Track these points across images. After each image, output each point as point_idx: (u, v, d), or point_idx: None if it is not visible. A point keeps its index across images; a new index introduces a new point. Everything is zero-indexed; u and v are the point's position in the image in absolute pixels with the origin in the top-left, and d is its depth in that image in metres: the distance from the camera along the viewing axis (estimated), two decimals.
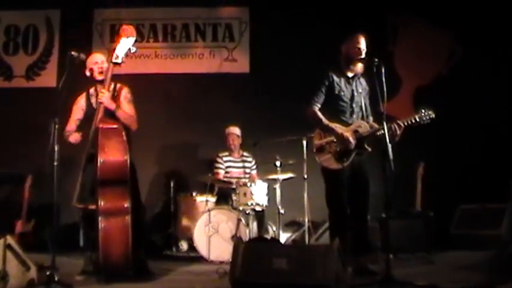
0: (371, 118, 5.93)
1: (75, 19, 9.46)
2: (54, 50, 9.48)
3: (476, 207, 7.79)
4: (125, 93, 5.88)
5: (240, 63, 9.46)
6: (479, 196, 7.71)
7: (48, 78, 9.34)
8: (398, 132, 5.45)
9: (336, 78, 5.79)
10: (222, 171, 8.27)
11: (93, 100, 5.83)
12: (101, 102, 5.57)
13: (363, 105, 5.89)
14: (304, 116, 5.82)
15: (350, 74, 5.89)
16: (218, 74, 9.38)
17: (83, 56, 5.38)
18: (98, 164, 5.18)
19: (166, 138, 8.86)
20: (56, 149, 4.92)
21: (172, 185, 8.38)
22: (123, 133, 5.44)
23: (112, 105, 5.62)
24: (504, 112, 8.42)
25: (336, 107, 5.80)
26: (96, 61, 5.82)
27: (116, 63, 5.58)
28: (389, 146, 4.94)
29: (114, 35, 9.42)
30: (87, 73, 5.84)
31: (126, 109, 5.78)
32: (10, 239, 4.82)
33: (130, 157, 5.45)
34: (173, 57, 9.29)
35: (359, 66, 5.83)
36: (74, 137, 5.79)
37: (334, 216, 5.81)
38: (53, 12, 9.55)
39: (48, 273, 4.69)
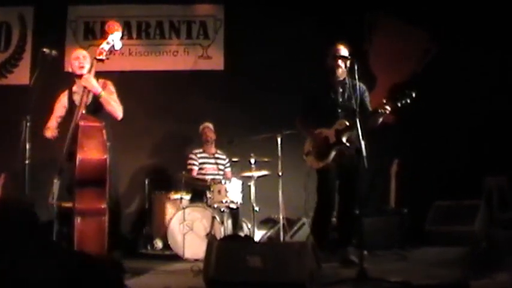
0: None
1: (48, 16, 9.32)
2: (27, 47, 9.37)
3: (451, 203, 7.82)
4: (109, 85, 5.96)
5: (214, 60, 9.42)
6: (453, 192, 7.75)
7: (21, 75, 9.22)
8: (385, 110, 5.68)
9: (318, 90, 6.28)
10: (196, 168, 8.25)
11: (75, 97, 5.82)
12: (85, 86, 5.56)
13: (352, 108, 5.97)
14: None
15: (336, 80, 6.19)
16: (192, 71, 9.33)
17: (55, 53, 5.34)
18: (77, 162, 5.13)
19: (141, 136, 8.79)
20: (27, 147, 4.87)
21: (146, 182, 8.36)
22: (104, 131, 5.39)
23: (97, 89, 5.65)
24: (478, 109, 8.45)
25: (321, 114, 6.15)
26: (78, 56, 5.87)
27: (99, 60, 5.61)
28: (363, 143, 4.98)
29: (89, 32, 9.40)
30: (69, 69, 5.88)
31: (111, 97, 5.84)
32: None
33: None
34: (147, 54, 9.23)
35: (340, 71, 6.14)
36: (51, 132, 5.78)
37: (321, 207, 6.14)
38: (26, 10, 9.43)
39: None
